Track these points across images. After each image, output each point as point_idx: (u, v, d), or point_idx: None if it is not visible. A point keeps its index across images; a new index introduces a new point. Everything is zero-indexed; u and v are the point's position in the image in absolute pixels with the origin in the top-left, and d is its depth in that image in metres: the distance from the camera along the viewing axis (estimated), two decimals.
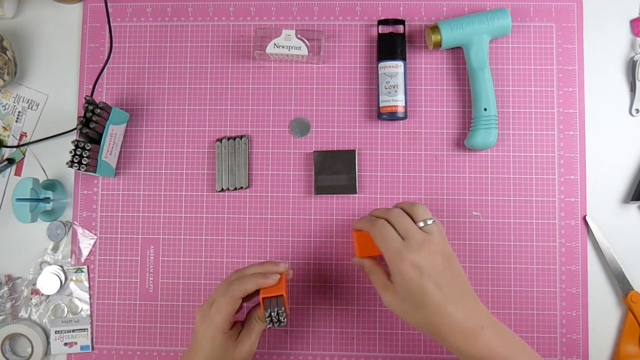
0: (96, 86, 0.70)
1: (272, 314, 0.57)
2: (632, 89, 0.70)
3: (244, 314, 0.62)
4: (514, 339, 0.54)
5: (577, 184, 0.69)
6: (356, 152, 0.69)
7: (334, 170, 0.69)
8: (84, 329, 0.70)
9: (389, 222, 0.57)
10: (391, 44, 0.69)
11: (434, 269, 0.54)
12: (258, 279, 0.59)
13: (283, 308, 0.58)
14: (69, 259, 0.71)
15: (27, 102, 0.73)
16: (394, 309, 0.56)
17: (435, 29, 0.68)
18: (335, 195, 0.70)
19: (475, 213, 0.69)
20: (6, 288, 0.71)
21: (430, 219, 0.57)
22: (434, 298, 0.53)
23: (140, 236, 0.71)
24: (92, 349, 0.70)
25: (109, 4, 0.70)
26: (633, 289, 0.67)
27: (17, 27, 0.74)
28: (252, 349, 0.60)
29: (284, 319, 0.58)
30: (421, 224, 0.56)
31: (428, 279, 0.53)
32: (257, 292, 0.59)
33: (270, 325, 0.58)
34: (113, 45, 0.72)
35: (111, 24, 0.70)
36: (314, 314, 0.69)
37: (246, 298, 0.59)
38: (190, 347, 0.60)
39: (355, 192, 0.69)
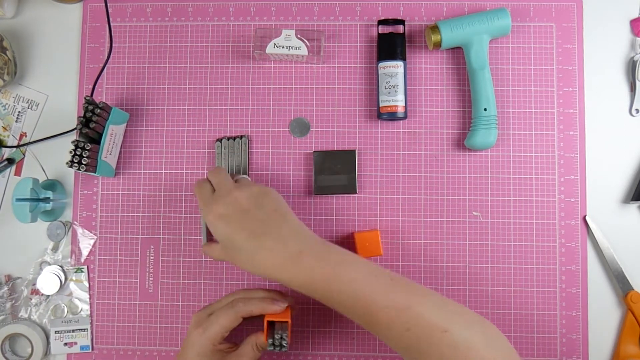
0: (96, 86, 0.70)
1: (276, 336, 0.57)
2: (632, 89, 0.70)
3: (236, 337, 0.61)
4: (335, 254, 0.55)
5: (577, 184, 0.69)
6: (356, 152, 0.69)
7: (334, 170, 0.69)
8: (84, 329, 0.70)
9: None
10: (391, 44, 0.69)
11: (238, 212, 0.56)
12: (266, 304, 0.59)
13: (287, 334, 0.57)
14: (69, 259, 0.71)
15: (27, 102, 0.73)
16: (224, 258, 0.59)
17: (435, 29, 0.68)
18: (335, 195, 0.70)
19: (475, 213, 0.69)
20: (6, 288, 0.71)
21: (243, 176, 0.61)
22: (242, 239, 0.55)
23: (140, 236, 0.71)
24: (92, 349, 0.70)
25: (109, 4, 0.70)
26: (633, 289, 0.67)
27: (17, 27, 0.74)
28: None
29: (286, 344, 0.58)
30: (236, 178, 0.61)
31: (234, 223, 0.55)
32: (257, 317, 0.59)
33: (272, 348, 0.58)
34: (113, 45, 0.72)
35: (111, 24, 0.70)
36: (314, 314, 0.69)
37: (246, 319, 0.59)
38: (181, 349, 0.59)
39: (355, 192, 0.69)
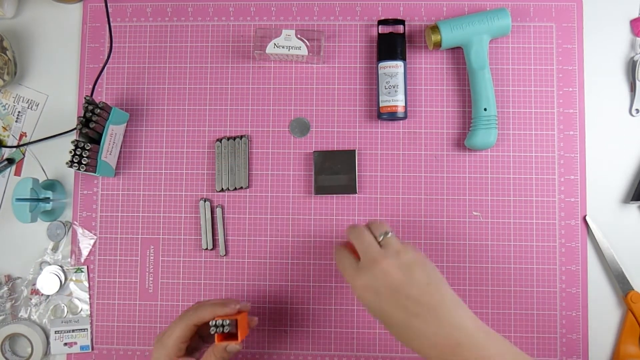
0: (96, 86, 0.70)
1: (218, 322, 0.55)
2: (632, 89, 0.70)
3: None
4: (495, 345, 0.50)
5: (577, 184, 0.69)
6: (356, 152, 0.69)
7: (334, 170, 0.69)
8: (84, 329, 0.70)
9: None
10: (391, 44, 0.69)
11: (387, 287, 0.51)
12: (215, 307, 0.57)
13: (231, 322, 0.55)
14: (69, 259, 0.71)
15: (27, 102, 0.73)
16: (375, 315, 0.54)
17: (435, 29, 0.68)
18: (335, 195, 0.70)
19: (475, 213, 0.69)
20: (6, 288, 0.71)
21: (387, 232, 0.54)
22: (394, 316, 0.50)
23: (140, 236, 0.71)
24: (92, 349, 0.70)
25: (109, 4, 0.70)
26: (633, 289, 0.67)
27: (17, 27, 0.74)
28: None
29: (230, 329, 0.55)
30: (381, 238, 0.54)
31: (384, 301, 0.51)
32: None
33: (214, 330, 0.55)
34: (113, 45, 0.72)
35: (111, 24, 0.70)
36: (314, 314, 0.69)
37: (206, 339, 0.59)
38: None
39: (355, 192, 0.69)
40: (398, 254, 0.52)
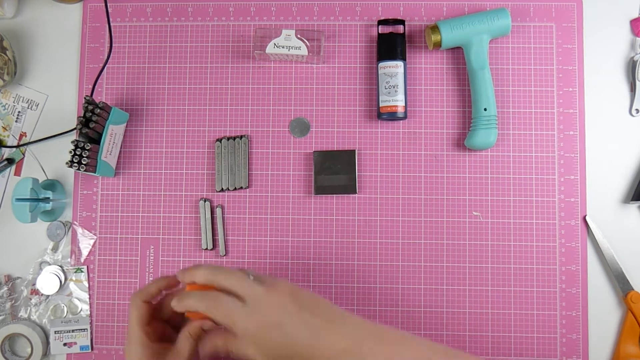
0: (96, 86, 0.70)
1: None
2: (632, 89, 0.70)
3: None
4: (393, 335, 0.51)
5: (577, 184, 0.69)
6: (356, 152, 0.69)
7: (334, 170, 0.69)
8: (84, 329, 0.70)
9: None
10: (391, 44, 0.69)
11: (288, 315, 0.49)
12: (159, 281, 0.56)
13: None
14: (69, 259, 0.71)
15: (27, 102, 0.73)
16: None
17: (435, 29, 0.68)
18: (335, 195, 0.70)
19: (475, 213, 0.69)
20: (6, 288, 0.71)
21: (248, 273, 0.52)
22: (303, 343, 0.49)
23: (140, 236, 0.71)
24: (92, 349, 0.70)
25: (109, 4, 0.70)
26: (633, 289, 0.67)
27: (17, 27, 0.74)
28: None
29: None
30: (251, 277, 0.52)
31: (290, 329, 0.49)
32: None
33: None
34: (113, 45, 0.72)
35: (111, 24, 0.70)
36: None
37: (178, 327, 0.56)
38: None
39: (356, 192, 0.69)
40: (278, 283, 0.51)
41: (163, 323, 0.57)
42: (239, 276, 0.51)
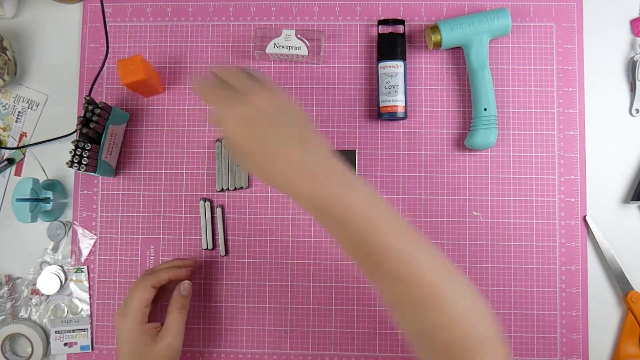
0: (96, 86, 0.70)
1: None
2: (632, 89, 0.70)
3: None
4: (354, 180, 0.50)
5: (577, 184, 0.69)
6: (356, 152, 0.69)
7: None
8: (84, 329, 0.70)
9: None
10: (391, 44, 0.69)
11: (265, 116, 0.50)
12: (171, 270, 0.62)
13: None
14: (69, 259, 0.71)
15: (27, 102, 0.73)
16: (239, 162, 0.54)
17: (435, 29, 0.68)
18: None
19: (475, 213, 0.69)
20: (6, 288, 0.71)
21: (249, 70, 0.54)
22: (268, 149, 0.49)
23: (140, 236, 0.71)
24: (92, 349, 0.70)
25: (109, 4, 0.70)
26: (633, 289, 0.67)
27: (17, 27, 0.74)
28: (174, 344, 0.60)
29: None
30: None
31: (260, 130, 0.49)
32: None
33: None
34: (112, 45, 0.72)
35: (107, 25, 0.70)
36: (314, 314, 0.69)
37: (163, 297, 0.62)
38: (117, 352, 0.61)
39: None
40: (271, 89, 0.52)
41: (155, 303, 0.63)
42: (236, 74, 0.53)
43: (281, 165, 0.49)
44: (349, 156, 0.69)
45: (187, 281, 0.63)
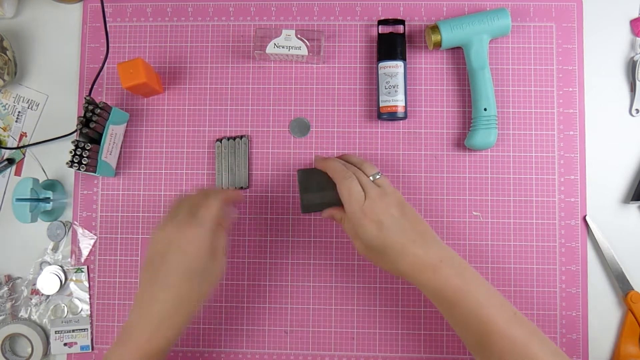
0: (96, 86, 0.70)
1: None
2: (632, 89, 0.70)
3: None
4: (470, 272, 0.57)
5: (577, 184, 0.69)
6: None
7: (322, 187, 0.65)
8: (84, 329, 0.70)
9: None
10: (391, 44, 0.69)
11: (391, 219, 0.58)
12: (236, 193, 0.65)
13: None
14: (69, 259, 0.71)
15: (27, 102, 0.73)
16: (365, 255, 0.61)
17: (435, 29, 0.68)
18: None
19: (475, 213, 0.69)
20: (6, 288, 0.71)
21: (378, 173, 0.61)
22: (394, 245, 0.57)
23: (140, 236, 0.71)
24: (92, 349, 0.70)
25: (109, 4, 0.70)
26: (633, 289, 0.67)
27: (17, 27, 0.74)
28: (224, 265, 0.58)
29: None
30: (371, 178, 0.61)
31: (387, 230, 0.57)
32: None
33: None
34: (112, 45, 0.72)
35: (107, 25, 0.70)
36: (314, 314, 0.69)
37: None
38: (147, 279, 0.54)
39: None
40: (394, 193, 0.60)
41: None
42: (363, 178, 0.61)
43: (407, 263, 0.57)
44: None
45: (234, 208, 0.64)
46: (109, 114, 0.67)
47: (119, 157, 0.71)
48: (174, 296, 0.53)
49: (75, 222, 0.71)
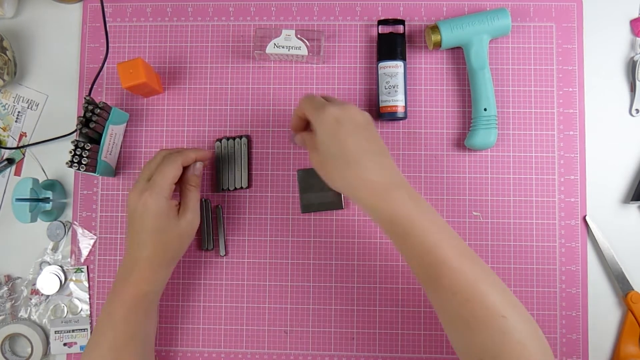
0: (96, 86, 0.70)
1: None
2: (632, 89, 0.70)
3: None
4: (422, 202, 0.55)
5: (577, 184, 0.69)
6: None
7: (321, 187, 0.68)
8: (84, 329, 0.70)
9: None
10: (391, 44, 0.69)
11: (351, 122, 0.55)
12: (198, 150, 0.64)
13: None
14: (69, 259, 0.71)
15: (27, 102, 0.73)
16: (318, 168, 0.58)
17: (435, 29, 0.68)
18: (323, 212, 0.69)
19: (475, 213, 0.69)
20: (6, 288, 0.71)
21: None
22: (349, 147, 0.54)
23: None
24: None
25: (109, 4, 0.70)
26: (633, 289, 0.67)
27: (17, 27, 0.74)
28: (195, 220, 0.62)
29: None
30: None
31: (346, 130, 0.55)
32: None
33: None
34: (112, 45, 0.72)
35: (107, 25, 0.70)
36: (314, 314, 0.69)
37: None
38: (128, 237, 0.61)
39: (342, 208, 0.69)
40: (362, 112, 0.58)
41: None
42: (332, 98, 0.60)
43: (359, 179, 0.54)
44: None
45: (199, 162, 0.64)
46: (109, 114, 0.67)
47: (119, 157, 0.71)
48: (150, 250, 0.60)
49: (75, 222, 0.71)
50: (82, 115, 0.65)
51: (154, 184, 0.59)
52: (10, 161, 0.72)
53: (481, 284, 0.51)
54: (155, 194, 0.59)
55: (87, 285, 0.70)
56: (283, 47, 0.69)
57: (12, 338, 0.70)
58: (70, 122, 0.72)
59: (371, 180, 0.54)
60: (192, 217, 0.62)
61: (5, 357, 0.69)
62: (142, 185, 0.60)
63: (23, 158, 0.73)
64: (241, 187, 0.70)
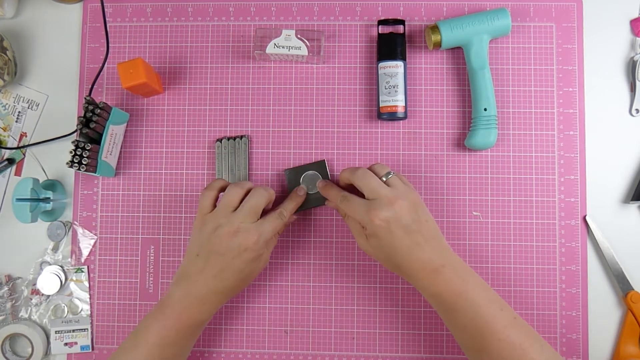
0: (96, 86, 0.70)
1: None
2: (632, 89, 0.70)
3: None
4: (473, 278, 0.58)
5: (577, 184, 0.69)
6: (325, 161, 0.69)
7: (309, 186, 0.68)
8: (84, 329, 0.70)
9: (354, 183, 0.62)
10: (391, 44, 0.69)
11: (400, 221, 0.57)
12: (298, 198, 0.67)
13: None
14: (69, 259, 0.71)
15: (27, 102, 0.73)
16: (368, 253, 0.61)
17: (435, 29, 0.68)
18: (313, 208, 0.69)
19: (475, 213, 0.69)
20: (6, 288, 0.71)
21: (390, 172, 0.61)
22: (401, 247, 0.57)
23: (140, 236, 0.71)
24: (92, 349, 0.70)
25: (109, 4, 0.70)
26: (633, 289, 0.67)
27: (17, 27, 0.74)
28: (267, 259, 0.64)
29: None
30: (383, 179, 0.61)
31: (395, 230, 0.57)
32: None
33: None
34: (112, 45, 0.72)
35: (107, 25, 0.70)
36: (314, 314, 0.69)
37: None
38: (204, 264, 0.60)
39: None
40: (406, 194, 0.59)
41: None
42: (374, 180, 0.60)
43: (410, 266, 0.58)
44: (319, 167, 0.69)
45: (294, 215, 0.67)
46: (109, 114, 0.67)
47: (119, 157, 0.71)
48: (227, 286, 0.60)
49: (75, 222, 0.71)
50: (82, 115, 0.65)
51: (261, 234, 0.60)
52: (10, 161, 0.72)
53: (529, 352, 0.54)
54: (262, 242, 0.60)
55: (87, 285, 0.70)
56: (283, 47, 0.69)
57: (12, 338, 0.70)
58: (70, 122, 0.72)
59: (423, 266, 0.57)
60: (267, 260, 0.64)
61: (5, 357, 0.69)
62: (237, 224, 0.59)
63: (23, 158, 0.73)
64: None
